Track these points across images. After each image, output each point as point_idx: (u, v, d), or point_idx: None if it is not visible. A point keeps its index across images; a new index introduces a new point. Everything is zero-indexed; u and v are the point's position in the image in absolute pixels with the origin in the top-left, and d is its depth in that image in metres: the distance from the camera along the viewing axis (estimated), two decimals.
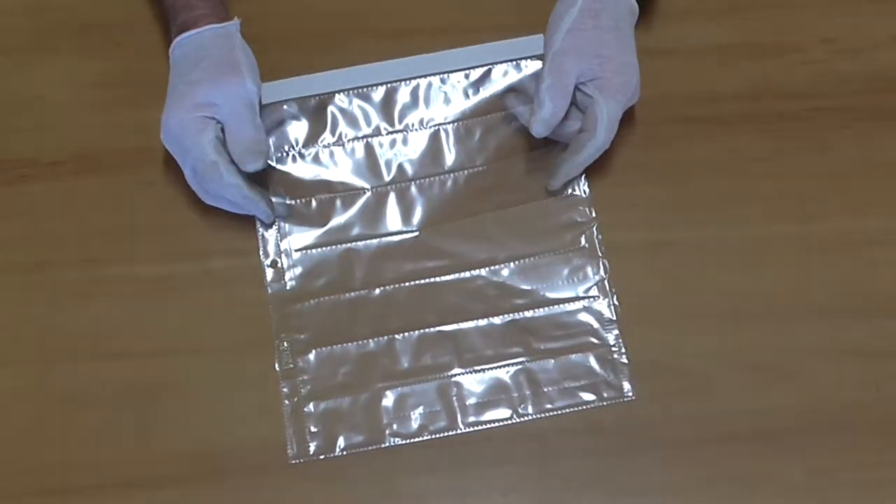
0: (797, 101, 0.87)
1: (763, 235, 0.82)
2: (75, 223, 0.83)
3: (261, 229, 0.82)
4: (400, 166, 0.84)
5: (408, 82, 0.86)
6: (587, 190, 0.83)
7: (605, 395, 0.77)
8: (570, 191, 0.83)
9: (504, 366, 0.78)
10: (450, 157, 0.84)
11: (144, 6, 0.90)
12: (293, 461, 0.75)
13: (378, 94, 0.86)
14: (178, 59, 0.81)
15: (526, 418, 0.77)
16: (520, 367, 0.78)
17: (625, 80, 0.80)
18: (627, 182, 0.84)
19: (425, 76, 0.86)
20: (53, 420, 0.77)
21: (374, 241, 0.82)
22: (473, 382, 0.78)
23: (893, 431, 0.76)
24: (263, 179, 0.83)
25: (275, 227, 0.82)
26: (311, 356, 0.79)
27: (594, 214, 0.82)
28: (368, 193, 0.83)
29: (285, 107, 0.85)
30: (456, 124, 0.85)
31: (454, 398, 0.77)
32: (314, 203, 0.83)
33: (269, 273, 0.81)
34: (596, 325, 0.79)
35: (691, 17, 0.89)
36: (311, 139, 0.85)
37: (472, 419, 0.77)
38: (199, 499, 0.75)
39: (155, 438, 0.76)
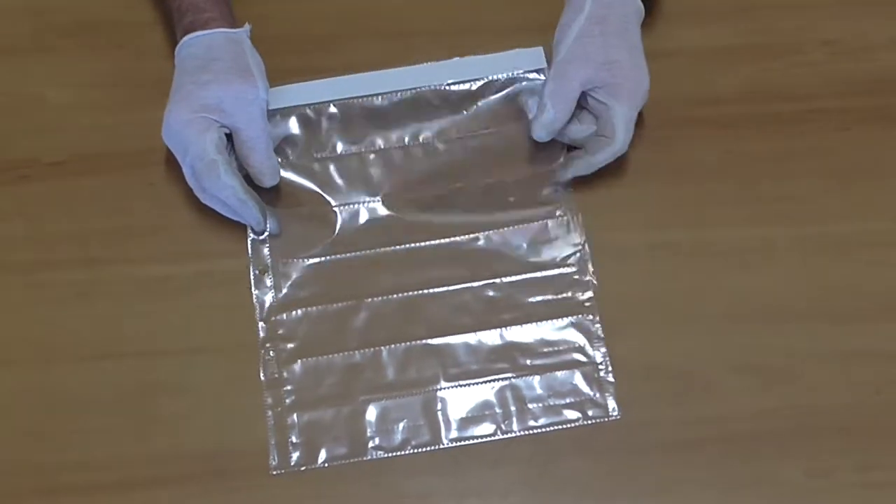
0: (797, 102, 0.87)
1: (762, 237, 0.82)
2: (75, 223, 0.83)
3: (252, 236, 0.82)
4: (393, 180, 0.84)
5: (404, 94, 0.85)
6: (580, 214, 0.82)
7: (590, 413, 0.77)
8: (562, 212, 0.82)
9: (490, 381, 0.78)
10: (444, 172, 0.84)
11: (145, 7, 0.90)
12: (274, 472, 0.75)
13: (373, 105, 0.85)
14: (185, 58, 0.81)
15: (510, 435, 0.76)
16: (505, 383, 0.78)
17: (636, 83, 0.81)
18: (627, 183, 0.84)
19: (423, 87, 0.85)
20: (53, 420, 0.77)
21: (364, 252, 0.81)
22: (458, 397, 0.77)
23: (893, 433, 0.76)
24: (258, 187, 0.82)
25: (266, 238, 0.82)
26: (297, 366, 0.78)
27: (584, 237, 0.82)
28: (360, 206, 0.83)
29: (278, 116, 0.84)
30: (451, 138, 0.85)
31: (438, 413, 0.77)
32: (306, 213, 0.83)
33: (258, 281, 0.81)
34: (583, 342, 0.79)
35: (692, 19, 0.90)
36: (306, 150, 0.84)
37: (455, 434, 0.76)
38: (198, 500, 0.75)
39: (154, 439, 0.76)
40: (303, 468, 0.75)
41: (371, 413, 0.77)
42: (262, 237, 0.82)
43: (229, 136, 0.81)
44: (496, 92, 0.86)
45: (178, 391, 0.78)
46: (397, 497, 0.75)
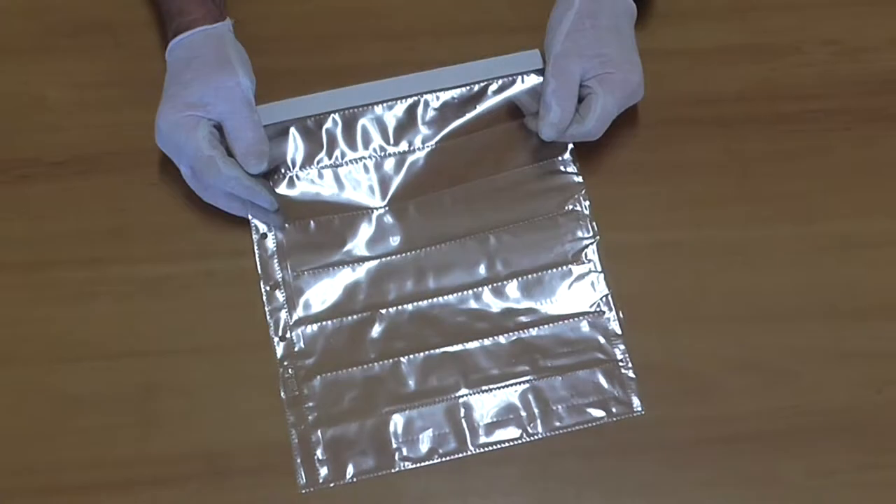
0: (798, 102, 0.87)
1: (763, 237, 0.82)
2: (75, 223, 0.83)
3: (257, 235, 0.81)
4: (398, 186, 0.83)
5: (405, 101, 0.85)
6: (589, 205, 0.82)
7: (613, 410, 0.77)
8: (572, 206, 0.82)
9: (511, 385, 0.78)
10: (448, 176, 0.83)
11: (144, 7, 0.90)
12: (303, 491, 0.75)
13: (375, 113, 0.85)
14: (172, 62, 0.82)
15: (536, 437, 0.76)
16: (527, 385, 0.78)
17: (625, 77, 0.81)
18: (628, 183, 0.84)
19: (422, 94, 0.85)
20: (53, 420, 0.77)
21: (375, 261, 0.81)
22: (481, 403, 0.77)
23: (893, 433, 0.76)
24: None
25: (274, 253, 0.81)
26: (317, 382, 0.78)
27: (596, 228, 0.82)
28: (367, 214, 0.83)
29: (279, 130, 0.84)
30: (453, 142, 0.85)
31: (463, 420, 0.77)
32: (312, 225, 0.82)
33: (270, 298, 0.80)
34: (602, 340, 0.79)
35: (692, 19, 0.90)
36: (309, 160, 0.84)
37: (482, 440, 0.76)
38: (197, 500, 0.75)
39: (155, 439, 0.76)
40: (332, 485, 0.75)
41: (395, 424, 0.76)
42: (267, 238, 0.81)
43: (221, 131, 0.81)
44: (495, 94, 0.85)
45: (179, 391, 0.78)
46: (399, 497, 0.75)
